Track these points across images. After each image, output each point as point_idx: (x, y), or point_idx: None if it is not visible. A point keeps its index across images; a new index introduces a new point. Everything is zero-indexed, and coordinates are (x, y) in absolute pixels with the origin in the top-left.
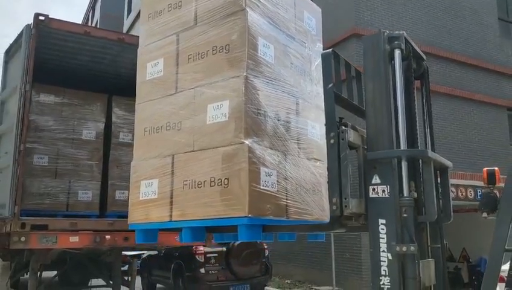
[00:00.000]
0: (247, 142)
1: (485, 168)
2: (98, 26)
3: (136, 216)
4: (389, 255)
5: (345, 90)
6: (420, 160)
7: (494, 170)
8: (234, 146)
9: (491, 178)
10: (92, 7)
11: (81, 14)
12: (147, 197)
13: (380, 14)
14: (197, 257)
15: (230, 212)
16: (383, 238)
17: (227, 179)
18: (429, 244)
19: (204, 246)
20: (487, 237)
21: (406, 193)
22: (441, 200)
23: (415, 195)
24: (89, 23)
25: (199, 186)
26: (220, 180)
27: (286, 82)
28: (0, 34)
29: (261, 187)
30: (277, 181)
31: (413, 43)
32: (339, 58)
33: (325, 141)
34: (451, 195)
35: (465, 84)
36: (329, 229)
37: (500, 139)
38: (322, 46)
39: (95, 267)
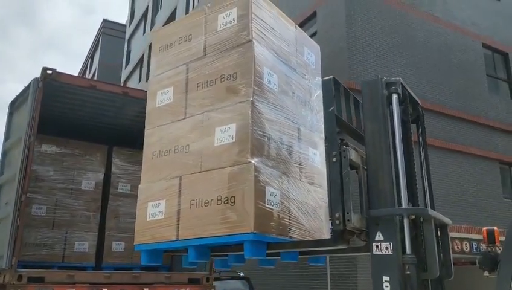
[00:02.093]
0: (253, 161)
1: (485, 228)
2: (96, 75)
3: (142, 237)
4: None
5: (344, 115)
6: (421, 218)
7: (493, 229)
8: (240, 165)
9: (490, 237)
10: (90, 56)
11: (78, 62)
12: (154, 218)
13: (372, 69)
14: None
15: (235, 229)
16: None
17: (234, 197)
18: None
19: None
20: None
21: (408, 250)
22: (441, 257)
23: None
24: (87, 72)
25: (206, 205)
26: (226, 199)
27: (288, 109)
28: None
29: (266, 205)
30: (281, 201)
31: (408, 89)
32: (339, 86)
33: (325, 167)
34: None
35: (457, 138)
36: (332, 244)
37: (493, 192)
38: (320, 79)
39: None
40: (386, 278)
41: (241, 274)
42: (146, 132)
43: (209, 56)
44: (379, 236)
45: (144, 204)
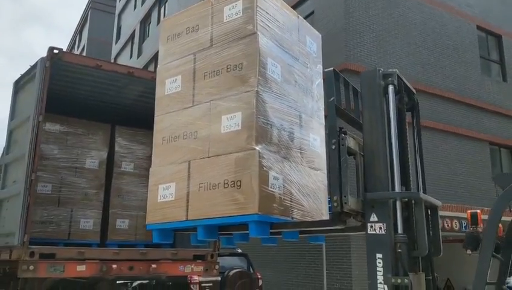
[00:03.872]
0: (257, 148)
1: (469, 211)
2: (85, 51)
3: (154, 217)
4: (385, 286)
5: (344, 104)
6: (413, 201)
7: (476, 212)
8: (246, 152)
9: (473, 219)
10: (79, 31)
11: (62, 36)
12: (165, 199)
13: (369, 50)
14: (191, 286)
15: (241, 210)
16: (380, 271)
17: (240, 181)
18: None
19: (199, 276)
20: (471, 269)
21: (400, 230)
22: (431, 236)
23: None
24: (76, 48)
25: (213, 188)
26: (233, 182)
27: (291, 97)
28: None
29: (270, 189)
30: (283, 185)
31: (404, 79)
32: (339, 77)
33: (325, 152)
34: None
35: (449, 119)
36: (330, 224)
37: (483, 173)
38: (322, 67)
39: None
40: (379, 255)
41: (239, 251)
42: (156, 118)
43: (216, 46)
44: (374, 217)
45: (155, 186)
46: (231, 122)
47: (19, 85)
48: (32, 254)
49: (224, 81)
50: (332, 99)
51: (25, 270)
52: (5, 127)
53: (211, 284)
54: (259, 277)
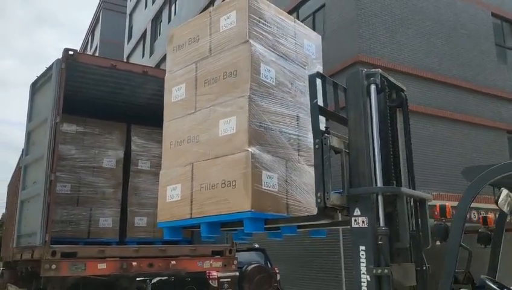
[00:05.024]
0: (250, 149)
1: (438, 203)
2: (97, 51)
3: (163, 216)
4: (368, 277)
5: (333, 104)
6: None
7: (445, 205)
8: (240, 153)
9: (442, 211)
10: (91, 32)
11: (73, 37)
12: (172, 199)
13: (382, 41)
14: (210, 281)
15: (236, 208)
16: (363, 262)
17: (235, 181)
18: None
19: (217, 271)
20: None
21: (382, 223)
22: (420, 228)
23: None
24: (88, 48)
25: (213, 188)
26: (229, 182)
27: (287, 99)
28: None
29: (263, 187)
30: (278, 183)
31: (390, 78)
32: (325, 78)
33: None
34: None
35: (465, 108)
36: (316, 219)
37: (501, 162)
38: (322, 68)
39: None
40: (362, 247)
41: (257, 246)
42: (164, 124)
43: (214, 55)
44: (357, 211)
45: (164, 187)
46: (227, 126)
47: (36, 87)
48: (54, 253)
49: (221, 87)
50: (315, 101)
51: (47, 269)
52: (22, 127)
53: (229, 280)
54: (276, 271)
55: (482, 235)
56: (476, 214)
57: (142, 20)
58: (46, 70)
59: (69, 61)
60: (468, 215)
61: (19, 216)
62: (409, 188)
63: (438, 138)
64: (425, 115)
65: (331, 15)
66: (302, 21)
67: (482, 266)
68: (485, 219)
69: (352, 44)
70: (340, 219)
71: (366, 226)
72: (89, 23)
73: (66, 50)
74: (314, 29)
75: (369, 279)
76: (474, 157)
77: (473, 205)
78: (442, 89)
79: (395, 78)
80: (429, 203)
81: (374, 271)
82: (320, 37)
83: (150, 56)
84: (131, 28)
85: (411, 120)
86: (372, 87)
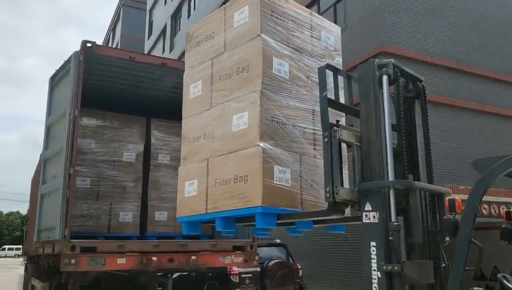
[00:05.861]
0: (261, 144)
1: (447, 197)
2: (119, 48)
3: (182, 211)
4: (379, 273)
5: (345, 95)
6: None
7: (454, 199)
8: (251, 148)
9: (451, 206)
10: (112, 28)
11: (96, 35)
12: (190, 195)
13: (407, 32)
14: (231, 277)
15: (248, 203)
16: (374, 258)
17: (247, 176)
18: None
19: (238, 267)
20: None
21: (393, 218)
22: (437, 224)
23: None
24: (110, 45)
25: (226, 183)
26: (241, 177)
27: (302, 93)
28: (13, 55)
29: (275, 182)
30: (291, 178)
31: (405, 68)
32: (337, 70)
33: None
34: (484, 212)
35: (493, 100)
36: (326, 214)
37: None
38: (341, 60)
39: (130, 289)
40: (373, 243)
41: (278, 241)
42: (183, 121)
43: (228, 51)
44: (368, 206)
45: (182, 183)
46: (240, 121)
47: (55, 81)
48: (73, 248)
49: (234, 83)
50: (325, 94)
51: (67, 264)
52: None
53: (250, 275)
54: (299, 267)
55: (506, 231)
56: (496, 208)
57: (162, 16)
58: (64, 63)
59: (87, 53)
60: (487, 211)
61: (39, 210)
62: (427, 182)
63: (465, 130)
64: (452, 107)
65: (352, 5)
66: (321, 13)
67: (506, 264)
68: (508, 214)
69: (375, 34)
70: (350, 215)
71: (377, 221)
72: (110, 21)
73: (84, 42)
74: (335, 21)
75: (379, 275)
76: (505, 150)
77: (493, 199)
78: (470, 80)
79: (420, 68)
80: (449, 197)
81: (385, 268)
82: (339, 28)
83: (170, 52)
84: (152, 24)
85: (437, 112)
86: (384, 78)
